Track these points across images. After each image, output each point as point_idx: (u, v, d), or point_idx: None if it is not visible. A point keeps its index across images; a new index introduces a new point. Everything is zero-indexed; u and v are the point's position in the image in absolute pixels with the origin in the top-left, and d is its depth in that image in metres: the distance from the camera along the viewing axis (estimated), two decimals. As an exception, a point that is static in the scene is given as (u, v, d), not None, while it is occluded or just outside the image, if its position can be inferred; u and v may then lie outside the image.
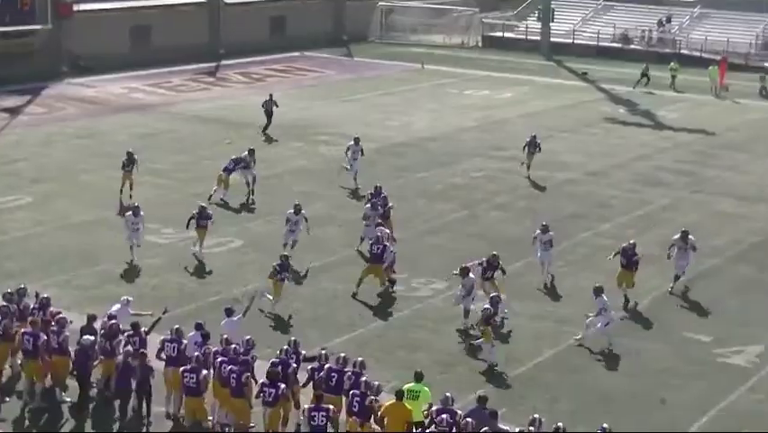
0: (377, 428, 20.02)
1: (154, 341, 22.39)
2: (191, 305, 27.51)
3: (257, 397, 20.74)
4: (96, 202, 36.18)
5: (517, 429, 19.46)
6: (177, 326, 22.36)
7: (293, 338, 22.35)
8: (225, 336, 22.18)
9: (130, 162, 36.44)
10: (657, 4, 75.84)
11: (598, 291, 25.73)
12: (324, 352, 21.76)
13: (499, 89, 60.28)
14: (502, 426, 19.59)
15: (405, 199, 36.46)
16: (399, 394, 20.11)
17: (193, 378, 20.83)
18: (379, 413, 19.88)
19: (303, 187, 38.33)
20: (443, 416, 19.46)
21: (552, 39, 72.71)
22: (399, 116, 51.95)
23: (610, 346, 25.62)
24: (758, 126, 52.51)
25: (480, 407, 20.10)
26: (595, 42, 73.16)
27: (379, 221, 31.12)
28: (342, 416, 20.58)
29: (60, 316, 22.76)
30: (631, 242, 29.09)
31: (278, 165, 41.44)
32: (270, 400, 20.41)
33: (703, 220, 36.55)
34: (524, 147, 41.26)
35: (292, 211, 31.23)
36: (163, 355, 21.91)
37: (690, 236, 29.63)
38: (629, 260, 28.58)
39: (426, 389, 20.80)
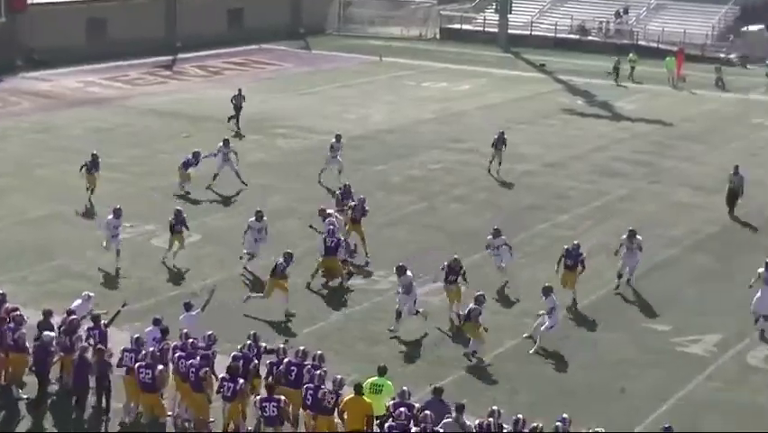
0: (339, 422, 20.00)
1: (115, 338, 22.18)
2: (150, 300, 27.35)
3: (217, 392, 20.64)
4: (52, 197, 35.86)
5: (477, 421, 19.49)
6: (137, 335, 21.82)
7: (253, 332, 22.30)
8: (185, 331, 22.02)
9: (94, 165, 35.31)
10: (614, -4, 76.28)
11: (548, 291, 25.36)
12: (283, 346, 21.71)
13: (457, 81, 60.32)
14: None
15: (363, 192, 36.23)
16: (358, 388, 20.07)
17: (149, 374, 20.64)
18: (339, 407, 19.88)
19: (261, 180, 38.21)
20: (401, 409, 19.42)
21: (509, 31, 72.83)
22: (357, 109, 51.88)
23: (546, 348, 25.25)
24: (714, 117, 52.90)
25: (435, 398, 20.13)
26: (553, 34, 73.34)
27: (337, 210, 31.03)
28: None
29: (17, 313, 22.51)
30: (575, 243, 28.53)
31: (236, 158, 41.27)
32: (229, 394, 20.34)
33: (660, 211, 36.77)
34: (492, 144, 40.62)
35: (254, 219, 29.30)
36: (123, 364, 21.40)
37: (637, 236, 29.28)
38: (575, 260, 28.01)
39: (389, 383, 20.79)
